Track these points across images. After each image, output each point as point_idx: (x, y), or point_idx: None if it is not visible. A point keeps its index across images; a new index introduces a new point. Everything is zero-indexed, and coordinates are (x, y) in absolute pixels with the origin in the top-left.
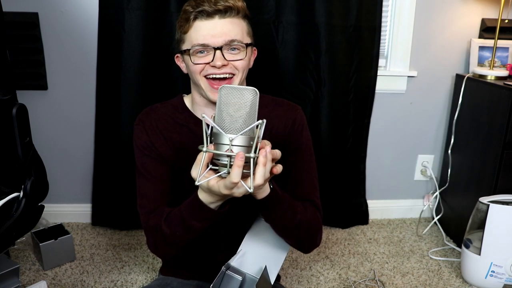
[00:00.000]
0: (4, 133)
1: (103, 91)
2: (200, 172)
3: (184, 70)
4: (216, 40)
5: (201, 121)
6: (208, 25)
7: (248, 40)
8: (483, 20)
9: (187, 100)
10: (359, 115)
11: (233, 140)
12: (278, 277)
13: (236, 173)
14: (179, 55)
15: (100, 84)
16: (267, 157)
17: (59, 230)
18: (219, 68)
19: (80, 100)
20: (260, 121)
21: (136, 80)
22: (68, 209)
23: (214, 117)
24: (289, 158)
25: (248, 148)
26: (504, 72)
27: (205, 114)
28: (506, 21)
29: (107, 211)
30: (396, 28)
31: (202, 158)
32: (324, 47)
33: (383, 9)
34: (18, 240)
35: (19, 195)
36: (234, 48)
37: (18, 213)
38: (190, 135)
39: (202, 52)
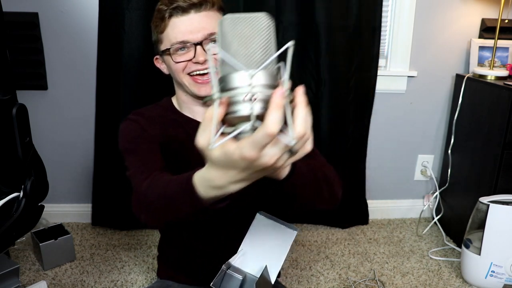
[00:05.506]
0: (4, 133)
1: (103, 91)
2: (214, 131)
3: (165, 71)
4: (195, 36)
5: (191, 120)
6: (184, 21)
7: None
8: (483, 20)
9: (174, 101)
10: (359, 115)
11: (254, 77)
12: (278, 274)
13: (275, 118)
14: (158, 56)
15: (100, 84)
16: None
17: (59, 230)
18: (202, 63)
19: (80, 100)
20: (289, 43)
21: (136, 80)
22: (68, 209)
23: (217, 68)
24: None
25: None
26: (504, 72)
27: (197, 110)
28: (506, 21)
29: (107, 211)
30: (396, 28)
31: (215, 113)
32: (324, 47)
33: (383, 9)
34: (18, 240)
35: (19, 195)
36: (215, 41)
37: (18, 213)
38: (183, 132)
39: (182, 49)
